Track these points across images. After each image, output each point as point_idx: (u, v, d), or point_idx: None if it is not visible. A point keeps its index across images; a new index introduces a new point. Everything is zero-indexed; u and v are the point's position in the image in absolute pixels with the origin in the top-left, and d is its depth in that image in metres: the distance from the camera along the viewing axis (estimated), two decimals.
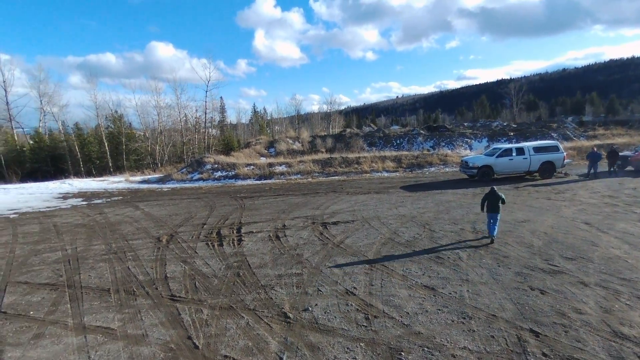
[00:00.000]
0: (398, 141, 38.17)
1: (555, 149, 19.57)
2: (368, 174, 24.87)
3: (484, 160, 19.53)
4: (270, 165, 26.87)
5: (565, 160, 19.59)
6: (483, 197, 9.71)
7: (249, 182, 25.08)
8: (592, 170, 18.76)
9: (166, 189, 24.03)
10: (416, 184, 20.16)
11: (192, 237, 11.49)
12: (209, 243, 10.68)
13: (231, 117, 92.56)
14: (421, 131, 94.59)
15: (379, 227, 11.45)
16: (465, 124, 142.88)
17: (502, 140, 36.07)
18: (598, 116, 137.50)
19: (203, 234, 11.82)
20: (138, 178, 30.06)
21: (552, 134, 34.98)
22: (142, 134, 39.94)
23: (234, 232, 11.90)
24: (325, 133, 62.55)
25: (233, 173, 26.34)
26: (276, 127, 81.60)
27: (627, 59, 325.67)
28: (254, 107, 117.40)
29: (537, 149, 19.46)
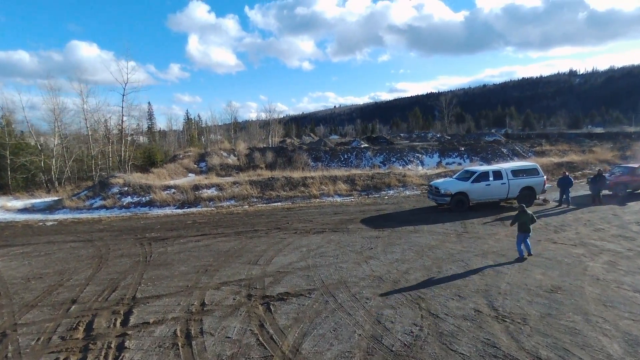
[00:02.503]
0: (345, 156, 34.71)
1: (534, 172, 16.99)
2: (317, 199, 20.77)
3: (458, 186, 16.36)
4: (197, 188, 21.67)
5: (546, 185, 17.10)
6: (514, 218, 10.41)
7: (167, 210, 19.69)
8: (564, 197, 16.45)
9: (51, 223, 17.87)
10: (379, 215, 16.42)
11: (37, 340, 6.54)
12: None
13: (162, 125, 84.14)
14: (362, 141, 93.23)
15: (350, 307, 7.43)
16: (402, 134, 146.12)
17: (454, 156, 34.18)
18: (516, 129, 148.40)
19: (61, 330, 6.91)
20: (20, 203, 23.07)
21: (503, 150, 33.80)
22: (36, 144, 32.09)
23: (117, 323, 7.11)
24: (265, 145, 57.72)
25: (147, 199, 20.74)
26: (211, 135, 74.85)
27: (536, 77, 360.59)
28: (187, 113, 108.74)
29: (516, 172, 16.74)
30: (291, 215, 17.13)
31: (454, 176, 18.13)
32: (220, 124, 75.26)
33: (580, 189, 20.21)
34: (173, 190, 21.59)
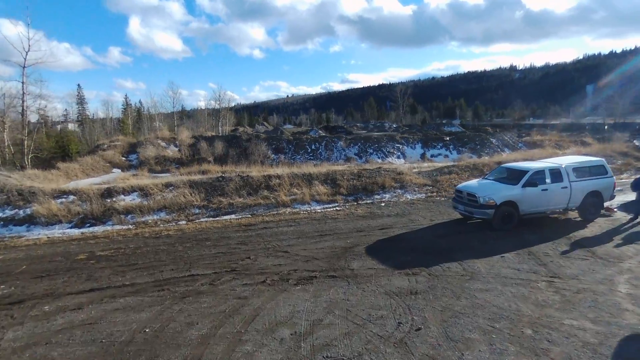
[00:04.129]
0: (313, 146, 28.75)
1: (601, 170, 12.09)
2: (289, 209, 14.67)
3: (504, 193, 11.02)
4: (109, 194, 14.72)
5: (615, 189, 12.32)
6: None
7: (55, 232, 12.68)
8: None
9: None
10: (390, 239, 10.76)
11: None
12: None
13: (99, 111, 72.74)
14: (319, 130, 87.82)
15: None
16: (358, 124, 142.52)
17: (438, 147, 29.43)
18: (474, 120, 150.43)
19: None
20: None
21: (492, 140, 29.60)
22: None
23: None
24: (214, 133, 50.18)
25: (27, 212, 13.53)
26: (155, 123, 65.15)
27: (481, 71, 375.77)
28: (125, 98, 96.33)
29: (579, 171, 11.73)
30: (253, 240, 10.97)
31: (488, 176, 12.78)
32: (164, 111, 66.00)
33: None
34: (72, 197, 14.48)
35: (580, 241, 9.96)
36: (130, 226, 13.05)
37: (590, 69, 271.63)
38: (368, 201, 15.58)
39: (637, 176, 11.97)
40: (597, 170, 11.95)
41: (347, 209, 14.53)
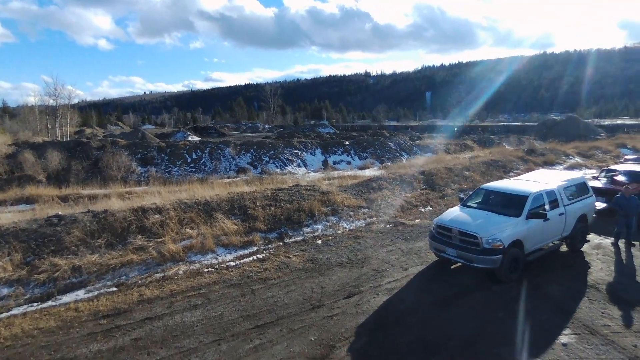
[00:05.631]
0: (195, 155, 22.72)
1: (584, 188, 10.15)
2: (183, 267, 9.22)
3: (510, 230, 7.96)
4: None
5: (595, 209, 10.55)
6: None
7: None
8: (625, 229, 10.18)
9: None
10: (376, 324, 6.69)
11: None
12: None
13: None
14: (188, 132, 78.73)
15: None
16: (229, 124, 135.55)
17: (339, 152, 26.56)
18: (338, 122, 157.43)
19: None
20: None
21: (390, 144, 28.10)
22: None
23: None
24: (47, 138, 38.50)
25: None
26: None
27: (340, 76, 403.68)
28: None
29: (569, 192, 9.53)
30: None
31: (468, 201, 9.60)
32: None
33: None
34: None
35: (618, 293, 7.49)
36: None
37: (427, 78, 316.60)
38: (298, 238, 11.14)
39: (619, 194, 10.41)
40: (581, 190, 9.97)
41: (274, 256, 9.85)
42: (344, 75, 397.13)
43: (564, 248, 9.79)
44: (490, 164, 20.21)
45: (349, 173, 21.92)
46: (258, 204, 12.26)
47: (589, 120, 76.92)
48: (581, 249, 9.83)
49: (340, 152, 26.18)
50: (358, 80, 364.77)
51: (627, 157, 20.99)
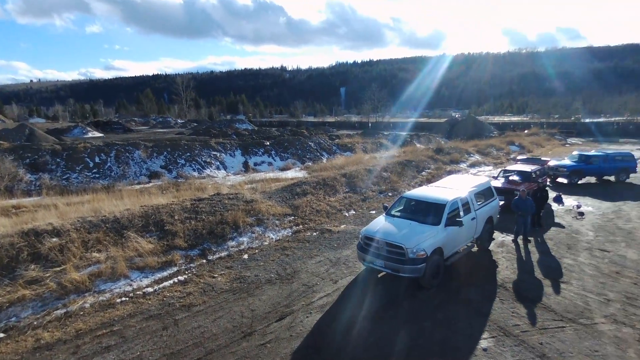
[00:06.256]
0: (98, 159, 20.32)
1: (490, 192, 11.15)
2: (90, 298, 8.08)
3: (431, 239, 8.36)
4: None
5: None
6: None
7: None
8: (522, 229, 11.48)
9: None
10: (315, 350, 6.51)
11: None
12: None
13: None
14: (88, 127, 71.03)
15: None
16: (137, 119, 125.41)
17: (260, 153, 25.92)
18: (255, 117, 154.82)
19: None
20: None
21: (310, 144, 28.20)
22: None
23: None
24: None
25: None
26: None
27: (256, 69, 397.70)
28: None
29: (479, 197, 10.39)
30: None
31: (392, 210, 9.90)
32: None
33: None
34: None
35: (522, 291, 8.32)
36: None
37: (341, 74, 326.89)
38: (222, 253, 10.53)
39: (516, 197, 11.64)
40: (488, 194, 10.96)
41: (197, 276, 9.16)
42: (260, 68, 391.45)
43: (474, 249, 10.68)
44: (405, 164, 21.40)
45: (271, 175, 21.55)
46: (176, 217, 11.34)
47: (482, 117, 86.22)
48: (489, 248, 10.83)
49: (261, 153, 25.57)
50: (274, 75, 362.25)
51: (519, 157, 23.81)
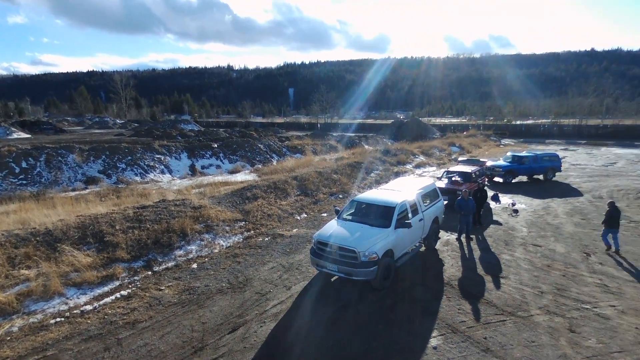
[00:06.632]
0: (25, 163, 18.46)
1: (436, 193, 11.66)
2: (19, 321, 7.31)
3: (382, 242, 8.54)
4: None
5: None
6: None
7: None
8: (465, 228, 12.14)
9: None
10: None
11: None
12: None
13: None
14: (13, 128, 64.80)
15: None
16: (70, 118, 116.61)
17: (207, 156, 25.11)
18: (202, 117, 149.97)
19: None
20: None
21: (260, 146, 27.76)
22: None
23: None
24: None
25: None
26: None
27: (202, 68, 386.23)
28: None
29: (425, 198, 10.82)
30: None
31: (343, 213, 10.00)
32: None
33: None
34: None
35: (467, 288, 8.77)
36: None
37: (290, 74, 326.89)
38: (170, 264, 10.03)
39: (459, 197, 12.26)
40: (434, 195, 11.45)
41: (142, 290, 8.64)
42: (206, 67, 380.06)
43: (422, 249, 11.10)
44: (355, 166, 21.79)
45: (220, 178, 20.96)
46: (118, 227, 10.63)
47: (425, 119, 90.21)
48: (435, 247, 11.31)
49: (208, 155, 24.74)
50: (221, 74, 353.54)
51: (460, 158, 25.18)
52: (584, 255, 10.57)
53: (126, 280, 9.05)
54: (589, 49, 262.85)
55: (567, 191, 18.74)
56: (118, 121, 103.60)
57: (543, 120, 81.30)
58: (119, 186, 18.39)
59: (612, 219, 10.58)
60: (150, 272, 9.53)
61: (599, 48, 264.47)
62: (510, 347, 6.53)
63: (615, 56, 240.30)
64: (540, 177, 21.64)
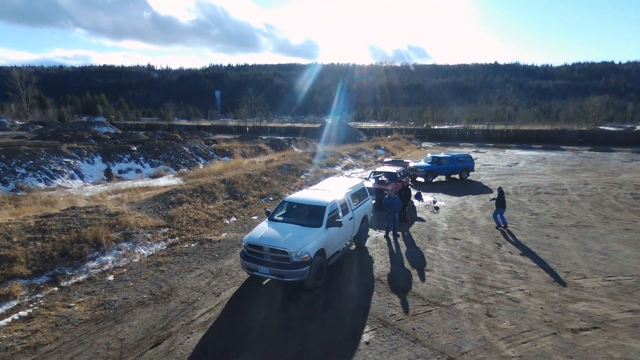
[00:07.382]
0: None
1: (364, 193, 11.94)
2: None
3: (314, 241, 8.52)
4: None
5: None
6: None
7: None
8: (392, 225, 12.66)
9: None
10: None
11: None
12: None
13: None
14: None
15: None
16: None
17: (126, 159, 23.21)
18: (119, 119, 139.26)
19: None
20: None
21: (185, 149, 26.32)
22: None
23: None
24: None
25: None
26: None
27: (119, 66, 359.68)
28: None
29: (354, 197, 11.06)
30: None
31: (274, 214, 9.75)
32: None
33: None
34: None
35: (395, 282, 9.07)
36: None
37: (216, 77, 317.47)
38: (80, 277, 8.97)
39: (386, 195, 12.71)
40: (363, 194, 11.73)
41: (46, 309, 7.61)
42: (123, 66, 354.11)
43: (353, 247, 11.31)
44: (285, 169, 21.66)
45: (140, 183, 19.47)
46: (15, 239, 9.29)
47: (352, 123, 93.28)
48: (365, 245, 11.60)
49: (127, 159, 22.80)
50: (140, 74, 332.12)
51: (386, 159, 26.31)
52: (496, 245, 11.57)
53: (26, 299, 7.91)
54: (492, 62, 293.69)
55: (480, 189, 20.49)
56: (17, 122, 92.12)
57: (457, 125, 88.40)
58: (18, 194, 16.18)
59: (500, 200, 13.13)
60: (56, 288, 8.44)
61: (501, 61, 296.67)
62: (437, 335, 6.85)
63: (514, 69, 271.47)
64: (457, 176, 23.40)
